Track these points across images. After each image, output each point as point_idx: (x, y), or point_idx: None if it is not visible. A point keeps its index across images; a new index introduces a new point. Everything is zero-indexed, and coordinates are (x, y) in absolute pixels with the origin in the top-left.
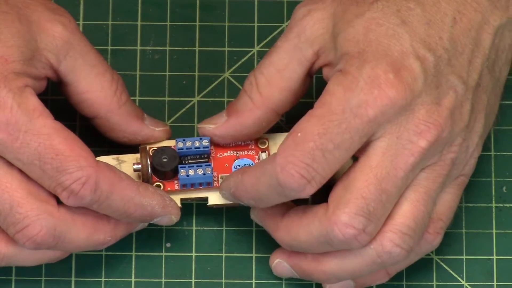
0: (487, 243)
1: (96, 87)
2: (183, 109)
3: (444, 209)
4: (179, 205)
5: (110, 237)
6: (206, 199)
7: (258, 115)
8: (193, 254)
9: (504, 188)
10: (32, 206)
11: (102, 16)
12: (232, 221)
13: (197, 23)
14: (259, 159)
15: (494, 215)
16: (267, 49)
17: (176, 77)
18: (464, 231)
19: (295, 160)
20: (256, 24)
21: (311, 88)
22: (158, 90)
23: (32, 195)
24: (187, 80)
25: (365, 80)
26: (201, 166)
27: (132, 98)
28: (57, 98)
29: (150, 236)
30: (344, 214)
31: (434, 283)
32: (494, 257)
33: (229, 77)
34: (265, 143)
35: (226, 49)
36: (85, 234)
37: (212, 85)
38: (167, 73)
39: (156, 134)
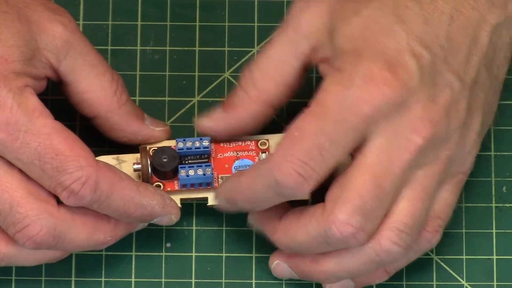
0: (487, 243)
1: (96, 87)
2: (183, 109)
3: (443, 207)
4: (179, 205)
5: (110, 237)
6: (206, 199)
7: (255, 110)
8: (193, 254)
9: (504, 188)
10: (32, 206)
11: (102, 16)
12: (232, 221)
13: (197, 23)
14: (259, 159)
15: (494, 215)
16: None
17: (176, 77)
18: (464, 231)
19: (292, 158)
20: (256, 24)
21: (313, 88)
22: (158, 90)
23: (32, 195)
24: (187, 80)
25: (361, 78)
26: (201, 166)
27: (132, 98)
28: (57, 98)
29: (150, 236)
30: (341, 213)
31: (434, 283)
32: (494, 257)
33: (229, 77)
34: (265, 144)
35: (226, 49)
36: (85, 234)
37: (212, 85)
38: (167, 73)
39: (156, 134)
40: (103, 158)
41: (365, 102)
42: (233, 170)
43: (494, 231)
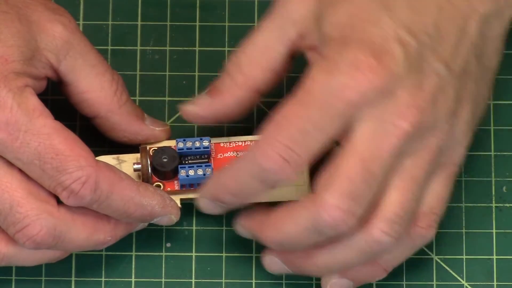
0: (487, 243)
1: (96, 87)
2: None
3: (436, 201)
4: (179, 205)
5: (110, 237)
6: None
7: (241, 95)
8: (193, 254)
9: (504, 188)
10: (32, 206)
11: (102, 16)
12: (232, 221)
13: (197, 23)
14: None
15: (494, 215)
16: None
17: (176, 77)
18: (464, 231)
19: (275, 143)
20: (256, 24)
21: None
22: (158, 90)
23: (32, 195)
24: (187, 80)
25: (347, 65)
26: (201, 166)
27: (132, 98)
28: (57, 98)
29: (150, 236)
30: (331, 197)
31: (434, 283)
32: (494, 257)
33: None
34: None
35: (226, 49)
36: (85, 234)
37: None
38: (167, 73)
39: (156, 133)
40: (103, 158)
41: (351, 89)
42: None
43: (494, 231)
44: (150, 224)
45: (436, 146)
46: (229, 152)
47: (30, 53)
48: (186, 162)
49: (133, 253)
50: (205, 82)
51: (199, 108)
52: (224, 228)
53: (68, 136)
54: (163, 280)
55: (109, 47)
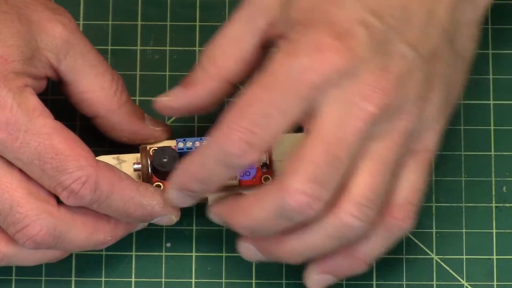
0: (487, 243)
1: (96, 87)
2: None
3: (411, 191)
4: None
5: (110, 237)
6: (206, 199)
7: (213, 86)
8: (193, 254)
9: (504, 188)
10: (32, 205)
11: (102, 16)
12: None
13: (197, 23)
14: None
15: (494, 215)
16: None
17: (176, 77)
18: (464, 231)
19: (238, 127)
20: None
21: None
22: (158, 90)
23: (32, 195)
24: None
25: (309, 46)
26: None
27: (132, 98)
28: (57, 98)
29: (150, 236)
30: (295, 182)
31: (434, 283)
32: (494, 257)
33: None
34: None
35: None
36: (85, 234)
37: None
38: (167, 73)
39: (156, 133)
40: (103, 158)
41: (313, 71)
42: None
43: (494, 231)
44: (150, 224)
45: (405, 129)
46: None
47: (30, 53)
48: None
49: (133, 253)
50: None
51: (172, 99)
52: (224, 228)
53: (68, 136)
54: (163, 280)
55: (109, 47)
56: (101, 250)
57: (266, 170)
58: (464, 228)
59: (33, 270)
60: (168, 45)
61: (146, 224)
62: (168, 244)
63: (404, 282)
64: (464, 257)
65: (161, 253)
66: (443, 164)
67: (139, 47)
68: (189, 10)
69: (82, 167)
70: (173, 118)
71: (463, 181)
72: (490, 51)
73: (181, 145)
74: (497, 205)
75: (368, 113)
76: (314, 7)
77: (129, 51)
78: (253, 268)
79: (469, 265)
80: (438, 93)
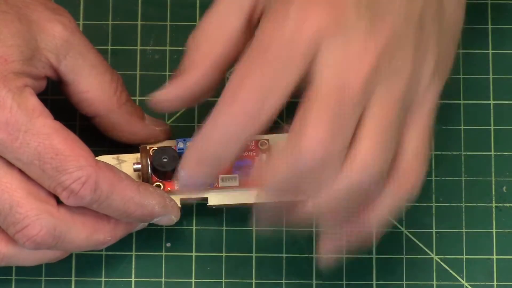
0: (487, 243)
1: (96, 87)
2: (183, 109)
3: (415, 156)
4: (179, 205)
5: (110, 237)
6: (206, 199)
7: (202, 73)
8: (193, 254)
9: (504, 188)
10: (32, 206)
11: (102, 16)
12: (232, 221)
13: (197, 23)
14: (259, 160)
15: (494, 215)
16: None
17: None
18: (464, 231)
19: (238, 97)
20: None
21: None
22: (158, 90)
23: (32, 195)
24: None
25: (297, 6)
26: None
27: (132, 98)
28: (57, 98)
29: (150, 236)
30: (308, 129)
31: (434, 283)
32: (494, 257)
33: (229, 76)
34: (265, 144)
35: None
36: (85, 234)
37: None
38: (167, 73)
39: (156, 133)
40: (103, 158)
41: (307, 26)
42: (233, 170)
43: (494, 231)
44: (150, 224)
45: (404, 83)
46: None
47: (30, 53)
48: None
49: (133, 253)
50: None
51: (166, 91)
52: (224, 228)
53: (68, 136)
54: (163, 280)
55: (109, 47)
56: (101, 250)
57: None
58: (464, 228)
59: (33, 270)
60: (168, 45)
61: (146, 224)
62: (168, 244)
63: (404, 282)
64: (464, 257)
65: (161, 253)
66: (443, 164)
67: (139, 47)
68: (189, 10)
69: (82, 167)
70: (173, 118)
71: (463, 181)
72: (490, 51)
73: (181, 145)
74: (497, 205)
75: (368, 63)
76: None
77: (129, 51)
78: (253, 268)
79: (469, 265)
80: (431, 56)
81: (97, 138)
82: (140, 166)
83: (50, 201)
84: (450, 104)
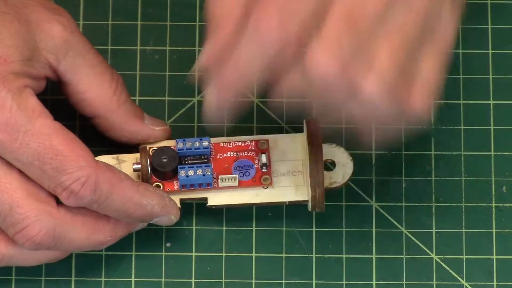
0: (487, 243)
1: (95, 87)
2: (183, 109)
3: (430, 76)
4: (179, 205)
5: (110, 237)
6: (206, 199)
7: (232, 26)
8: (193, 254)
9: (504, 188)
10: (31, 206)
11: (102, 16)
12: (232, 221)
13: (197, 23)
14: (259, 160)
15: (494, 215)
16: None
17: (176, 77)
18: (464, 231)
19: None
20: None
21: None
22: (158, 90)
23: (32, 196)
24: (187, 80)
25: None
26: (201, 167)
27: (132, 98)
28: (57, 98)
29: (150, 236)
30: (319, 45)
31: (434, 283)
32: (494, 257)
33: None
34: (265, 144)
35: None
36: (85, 234)
37: None
38: (167, 73)
39: (156, 133)
40: (103, 158)
41: None
42: (233, 170)
43: (494, 231)
44: (150, 224)
45: (422, 9)
46: (229, 152)
47: (29, 53)
48: (186, 162)
49: (133, 253)
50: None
51: (205, 53)
52: (224, 228)
53: (68, 136)
54: (163, 280)
55: (109, 47)
56: (101, 250)
57: (266, 170)
58: (464, 228)
59: (33, 270)
60: (168, 45)
61: (146, 224)
62: (168, 244)
63: (404, 282)
64: (464, 257)
65: (161, 253)
66: (443, 164)
67: (139, 47)
68: (189, 10)
69: (82, 168)
70: (173, 118)
71: (463, 181)
72: (490, 51)
73: (181, 145)
74: (497, 205)
75: None
76: None
77: (129, 51)
78: (253, 268)
79: (469, 265)
80: None
81: (97, 138)
82: (139, 166)
83: (50, 201)
84: (450, 104)
